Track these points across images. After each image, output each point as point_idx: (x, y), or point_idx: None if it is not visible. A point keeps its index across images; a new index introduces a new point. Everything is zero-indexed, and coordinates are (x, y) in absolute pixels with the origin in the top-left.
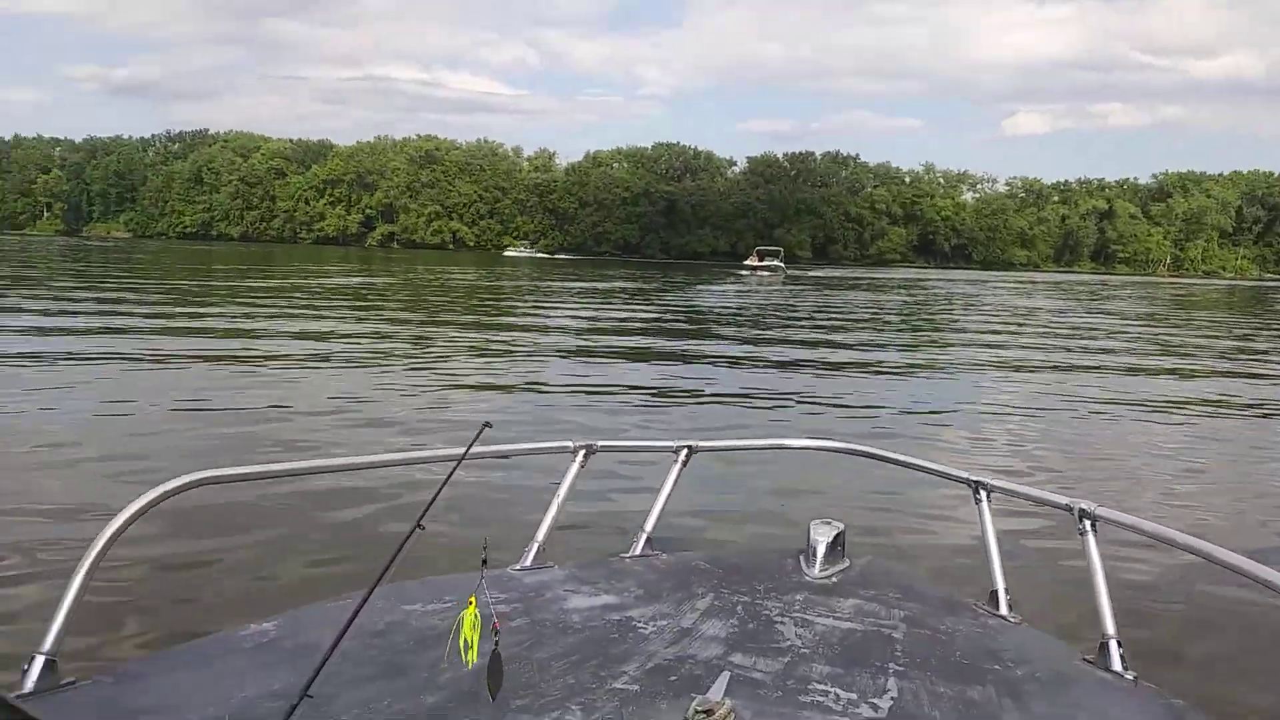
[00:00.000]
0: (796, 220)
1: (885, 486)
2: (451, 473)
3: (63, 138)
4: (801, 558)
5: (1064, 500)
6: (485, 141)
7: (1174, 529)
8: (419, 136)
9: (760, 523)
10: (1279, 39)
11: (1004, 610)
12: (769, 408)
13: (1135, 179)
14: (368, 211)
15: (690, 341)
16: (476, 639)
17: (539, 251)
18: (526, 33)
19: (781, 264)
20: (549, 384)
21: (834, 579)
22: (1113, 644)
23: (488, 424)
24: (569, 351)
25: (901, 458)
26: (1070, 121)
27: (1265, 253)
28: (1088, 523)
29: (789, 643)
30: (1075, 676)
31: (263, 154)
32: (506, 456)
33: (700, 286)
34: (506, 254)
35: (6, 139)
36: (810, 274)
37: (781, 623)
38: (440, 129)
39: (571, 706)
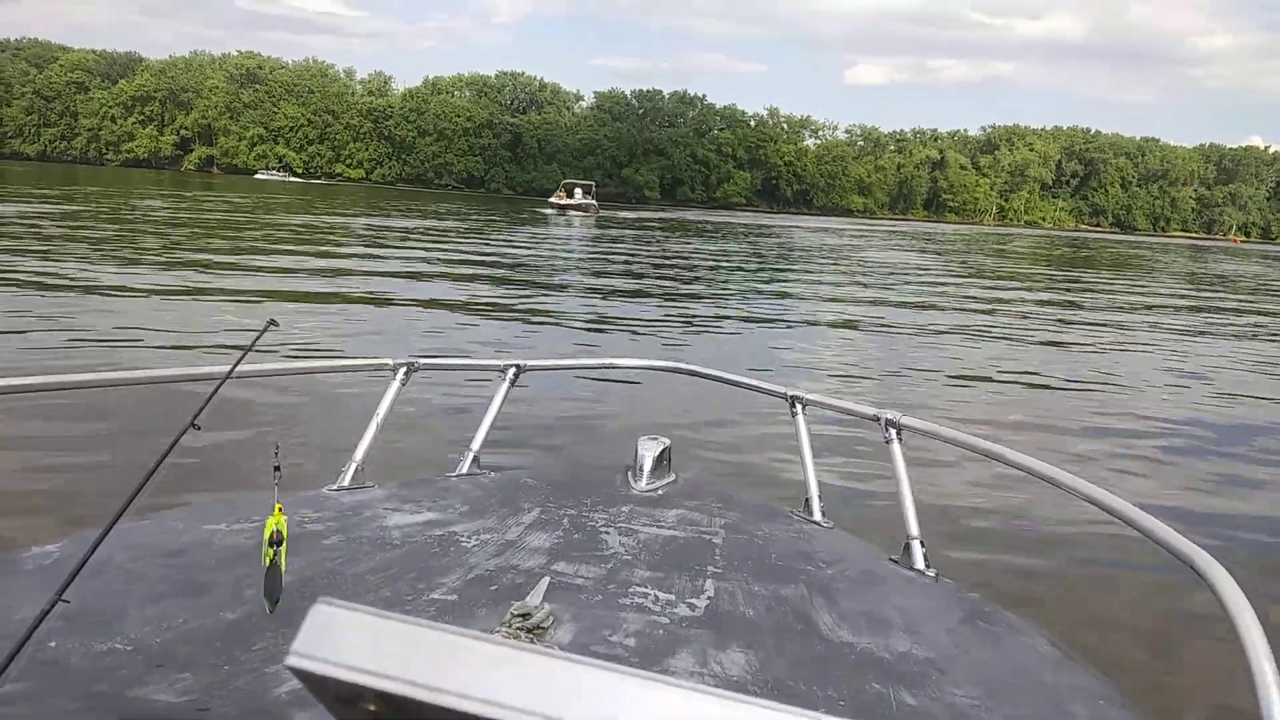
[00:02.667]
0: (645, 160)
1: (711, 404)
2: (232, 369)
3: None
4: (629, 473)
5: (871, 411)
6: (314, 61)
7: (971, 434)
8: (240, 53)
9: (589, 441)
10: (1097, 3)
11: (817, 516)
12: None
13: (966, 131)
14: (183, 133)
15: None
16: (282, 552)
17: (291, 177)
18: None
19: (594, 201)
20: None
21: (660, 492)
22: (915, 544)
23: (273, 322)
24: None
25: (724, 375)
26: (908, 75)
27: (1080, 205)
28: (893, 431)
29: (611, 550)
30: (881, 575)
31: (61, 65)
32: (316, 374)
33: (502, 232)
34: (257, 177)
35: None
36: (623, 214)
37: (606, 533)
38: (274, 49)
39: None
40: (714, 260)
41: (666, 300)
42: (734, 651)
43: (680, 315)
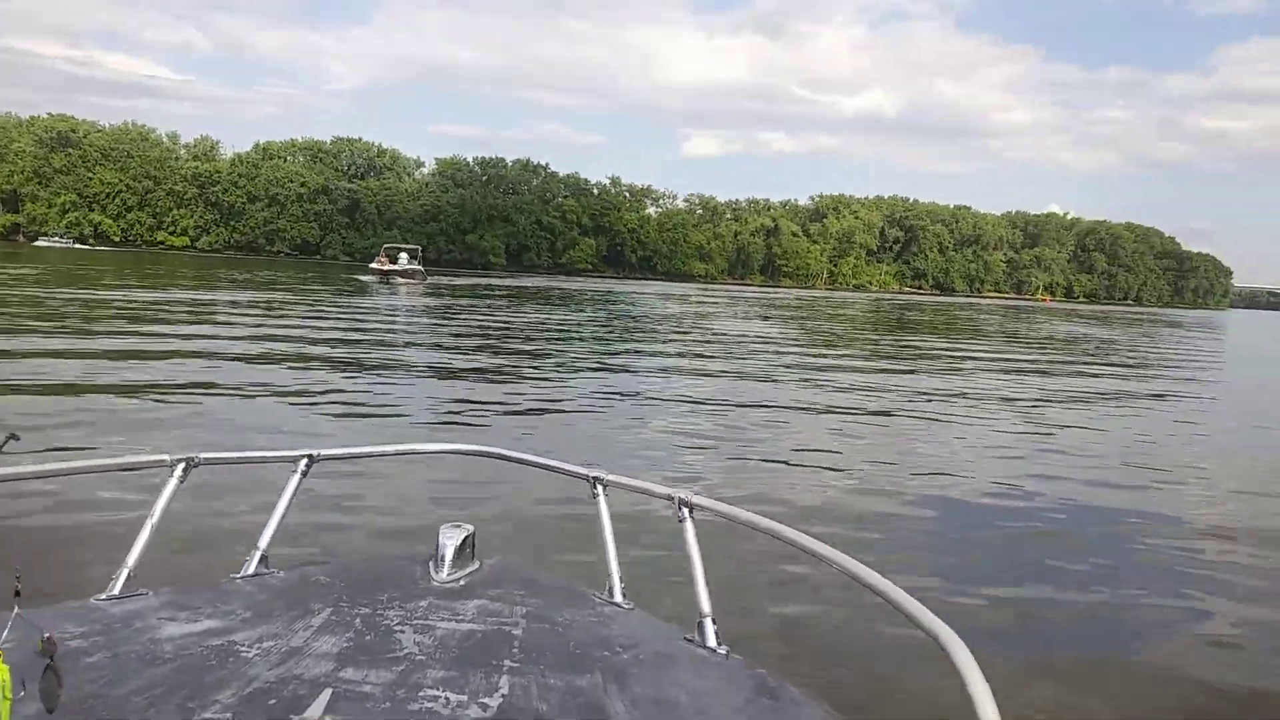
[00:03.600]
0: (489, 226)
1: (516, 488)
2: None
3: None
4: (430, 563)
5: (665, 490)
6: (133, 125)
7: (758, 514)
8: (50, 115)
9: (389, 532)
10: (907, 81)
11: (618, 597)
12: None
13: (796, 200)
14: None
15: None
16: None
17: (75, 242)
18: (196, 17)
19: (420, 266)
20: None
21: (461, 582)
22: (708, 622)
23: (13, 435)
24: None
25: (526, 456)
26: (740, 146)
27: (903, 269)
28: (686, 510)
29: (405, 651)
30: (676, 655)
31: None
32: (79, 474)
33: (318, 305)
34: (37, 244)
35: None
36: (461, 281)
37: (401, 631)
38: (94, 114)
39: None
40: (552, 331)
41: (487, 378)
42: None
43: (499, 394)
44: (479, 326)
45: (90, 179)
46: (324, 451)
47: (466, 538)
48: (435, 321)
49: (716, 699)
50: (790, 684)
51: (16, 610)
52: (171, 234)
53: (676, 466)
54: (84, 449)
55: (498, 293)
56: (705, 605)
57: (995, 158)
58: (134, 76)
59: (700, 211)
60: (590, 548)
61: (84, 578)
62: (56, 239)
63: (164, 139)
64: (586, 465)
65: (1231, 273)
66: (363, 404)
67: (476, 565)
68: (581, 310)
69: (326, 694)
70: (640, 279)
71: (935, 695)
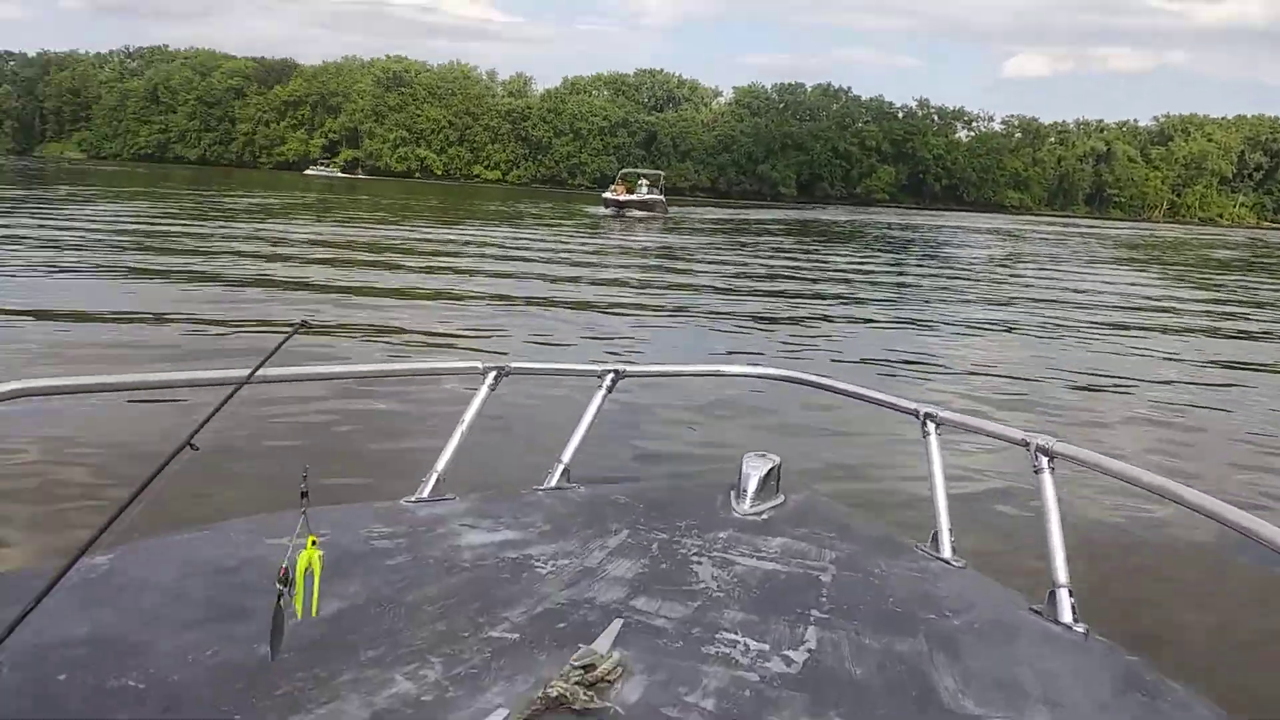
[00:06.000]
0: (781, 155)
1: (828, 418)
2: (250, 376)
3: (16, 51)
4: (732, 493)
5: (1019, 435)
6: (457, 64)
7: (1139, 467)
8: (388, 57)
9: (691, 455)
10: None
11: (946, 553)
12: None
13: (1136, 121)
14: (331, 136)
15: None
16: (298, 595)
17: (339, 171)
18: None
19: (660, 195)
20: None
21: (764, 516)
22: (1063, 593)
23: (304, 322)
24: None
25: (846, 386)
26: (1071, 64)
27: (1265, 200)
28: (1044, 459)
29: (702, 585)
30: (1019, 627)
31: (222, 72)
32: (405, 376)
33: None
34: (306, 173)
35: None
36: (707, 215)
37: (698, 562)
38: (433, 56)
39: (431, 659)
40: (849, 276)
41: (783, 301)
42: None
43: (801, 318)
44: (707, 275)
45: (419, 116)
46: (630, 368)
47: (772, 469)
48: (648, 273)
49: (1074, 685)
50: (1170, 679)
51: (304, 515)
52: (486, 168)
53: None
54: (398, 356)
55: (765, 227)
56: (1061, 574)
57: None
58: (469, 20)
59: (1019, 135)
60: (913, 494)
61: (392, 476)
62: (322, 168)
63: (483, 77)
64: (917, 400)
65: None
66: (660, 321)
67: (781, 499)
68: (873, 252)
69: (617, 624)
70: (942, 209)
71: None
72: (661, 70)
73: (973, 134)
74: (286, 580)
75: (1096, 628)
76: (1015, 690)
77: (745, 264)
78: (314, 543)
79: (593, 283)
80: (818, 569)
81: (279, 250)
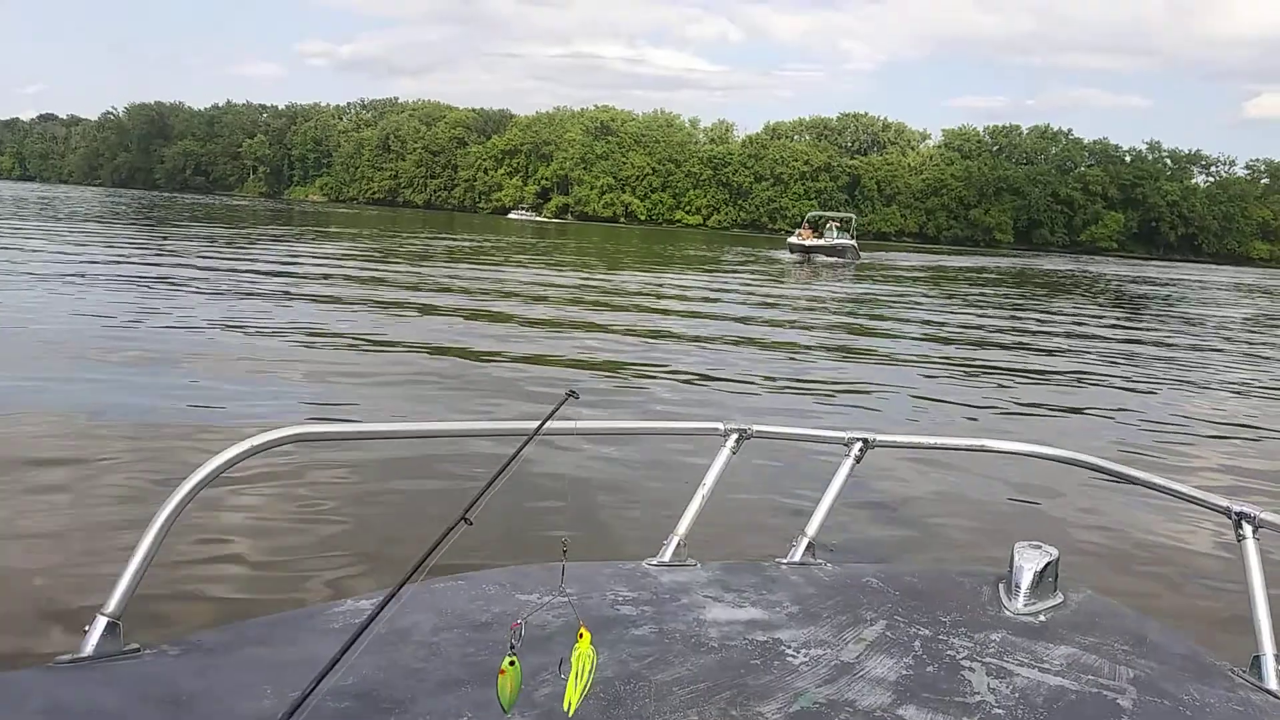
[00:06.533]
0: (996, 200)
1: (1113, 508)
2: (521, 447)
3: (268, 104)
4: (1001, 586)
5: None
6: (661, 113)
7: None
8: (596, 107)
9: (950, 538)
10: None
11: (1272, 682)
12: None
13: None
14: (543, 183)
15: None
16: (583, 681)
17: (537, 215)
18: (729, 8)
19: (853, 240)
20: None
21: (1042, 617)
22: None
23: (571, 393)
24: None
25: (1137, 474)
26: None
27: None
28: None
29: (978, 697)
30: None
31: (446, 123)
32: (640, 435)
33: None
34: (510, 217)
35: (221, 105)
36: (903, 261)
37: (969, 668)
38: (641, 106)
39: None
40: (1088, 332)
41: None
42: None
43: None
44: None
45: (624, 163)
46: (882, 436)
47: (1049, 563)
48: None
49: None
50: None
51: (564, 561)
52: (687, 213)
53: None
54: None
55: (987, 278)
56: None
57: None
58: (674, 71)
59: (1266, 181)
60: (1222, 604)
61: (631, 538)
62: (525, 213)
63: (686, 124)
64: (1228, 496)
65: None
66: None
67: (1060, 599)
68: (1102, 308)
69: None
70: (1179, 260)
71: None
72: (865, 113)
73: (1211, 179)
74: (519, 636)
75: None
76: None
77: (956, 318)
78: (581, 635)
79: (762, 340)
80: (1114, 690)
81: (533, 301)
